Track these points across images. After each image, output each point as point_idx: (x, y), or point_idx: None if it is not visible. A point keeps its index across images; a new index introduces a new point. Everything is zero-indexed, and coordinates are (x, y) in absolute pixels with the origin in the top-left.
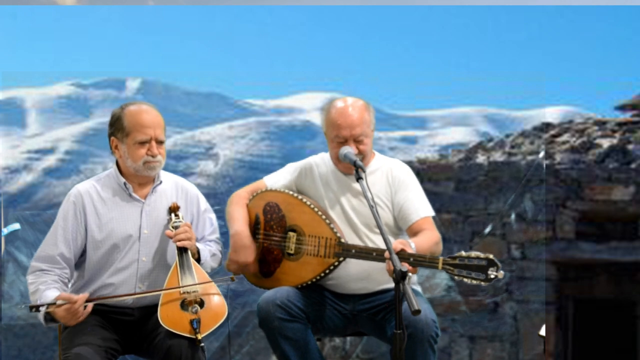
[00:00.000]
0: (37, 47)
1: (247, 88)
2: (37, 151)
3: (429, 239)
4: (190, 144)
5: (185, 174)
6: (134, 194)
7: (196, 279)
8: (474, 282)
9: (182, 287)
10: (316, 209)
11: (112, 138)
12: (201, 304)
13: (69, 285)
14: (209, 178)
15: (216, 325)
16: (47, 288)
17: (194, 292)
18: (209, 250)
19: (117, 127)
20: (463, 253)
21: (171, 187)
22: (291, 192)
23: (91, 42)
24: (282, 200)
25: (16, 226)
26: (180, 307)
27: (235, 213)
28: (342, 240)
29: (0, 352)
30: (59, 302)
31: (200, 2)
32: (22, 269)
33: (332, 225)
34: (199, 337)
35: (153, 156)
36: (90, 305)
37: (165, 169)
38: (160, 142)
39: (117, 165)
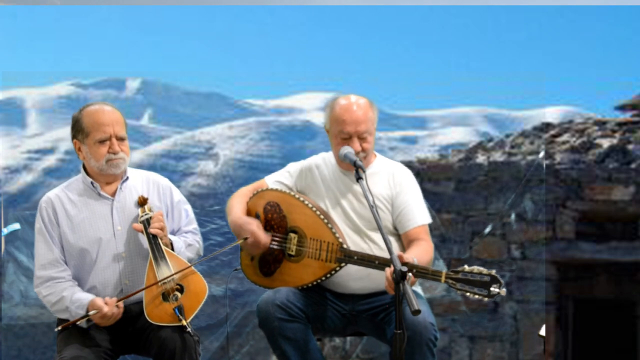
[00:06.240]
0: (37, 47)
1: (247, 88)
2: (37, 151)
3: (425, 252)
4: (190, 144)
5: (185, 174)
6: (102, 192)
7: (171, 267)
8: (476, 297)
9: (161, 281)
10: (318, 212)
11: (75, 141)
12: (181, 289)
13: None
14: (209, 178)
15: (200, 305)
16: (74, 292)
17: (171, 279)
18: (184, 241)
19: (77, 129)
20: (466, 267)
21: (141, 182)
22: (292, 193)
23: (91, 42)
24: (283, 201)
25: (16, 226)
26: (162, 300)
27: (234, 207)
28: (345, 245)
29: (0, 352)
30: (91, 312)
31: (200, 2)
32: (22, 269)
33: (334, 230)
34: (184, 323)
35: (114, 153)
36: (121, 304)
37: (165, 168)
38: (121, 139)
39: (84, 168)
